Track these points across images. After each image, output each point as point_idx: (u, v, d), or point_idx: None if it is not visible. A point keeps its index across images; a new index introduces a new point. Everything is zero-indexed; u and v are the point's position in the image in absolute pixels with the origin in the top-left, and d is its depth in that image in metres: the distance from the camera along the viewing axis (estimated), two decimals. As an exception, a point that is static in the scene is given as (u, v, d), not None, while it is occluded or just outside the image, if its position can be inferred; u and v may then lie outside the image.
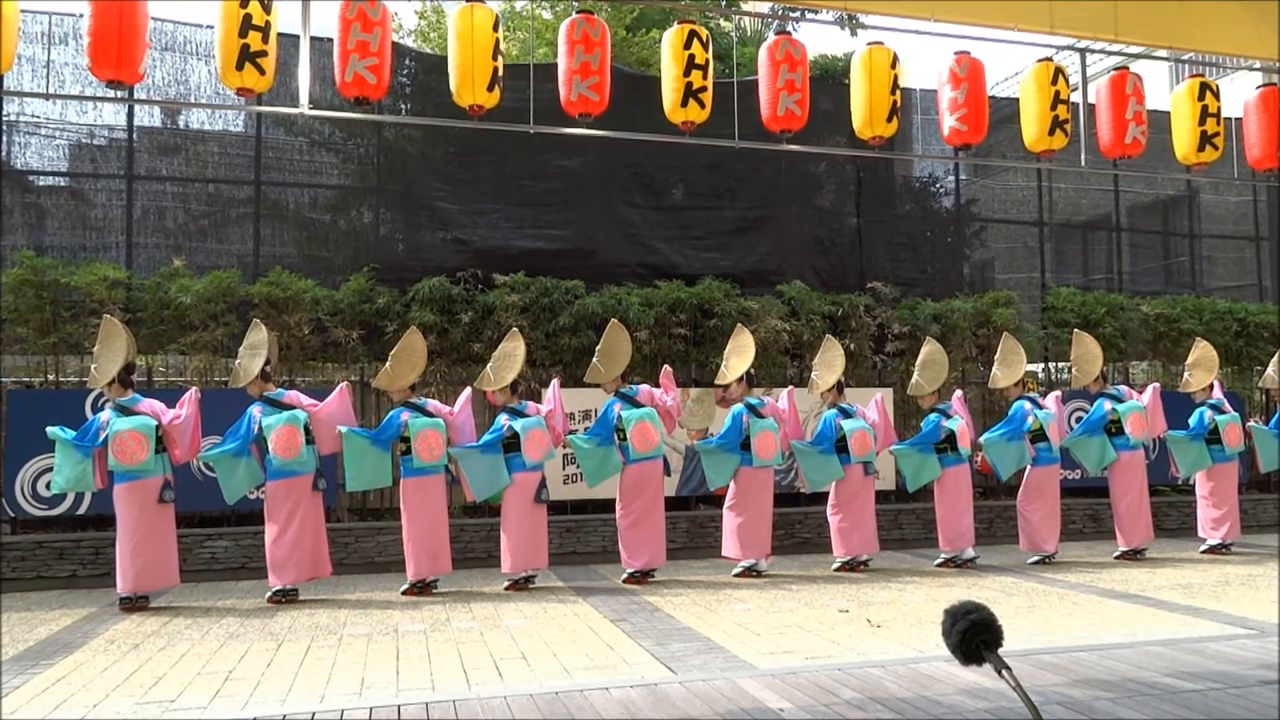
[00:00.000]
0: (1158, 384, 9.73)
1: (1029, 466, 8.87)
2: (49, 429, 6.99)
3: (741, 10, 10.43)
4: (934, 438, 8.64)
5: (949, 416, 8.71)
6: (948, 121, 6.36)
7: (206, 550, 8.42)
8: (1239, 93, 7.60)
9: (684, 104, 5.87)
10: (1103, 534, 10.30)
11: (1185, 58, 7.98)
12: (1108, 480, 9.22)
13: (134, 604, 6.90)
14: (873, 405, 8.83)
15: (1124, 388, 9.53)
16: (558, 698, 4.34)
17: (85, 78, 8.87)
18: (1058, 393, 9.53)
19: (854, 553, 8.43)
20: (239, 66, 5.12)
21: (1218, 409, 9.40)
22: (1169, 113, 7.00)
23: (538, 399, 8.39)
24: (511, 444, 7.59)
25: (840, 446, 8.39)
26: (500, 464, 7.55)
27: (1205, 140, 6.73)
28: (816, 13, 8.93)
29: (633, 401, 7.98)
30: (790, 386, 8.99)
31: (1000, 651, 1.78)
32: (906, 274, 11.70)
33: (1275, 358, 10.21)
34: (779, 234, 11.38)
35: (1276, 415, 10.04)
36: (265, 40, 5.16)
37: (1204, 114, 6.71)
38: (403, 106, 10.84)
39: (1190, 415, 9.46)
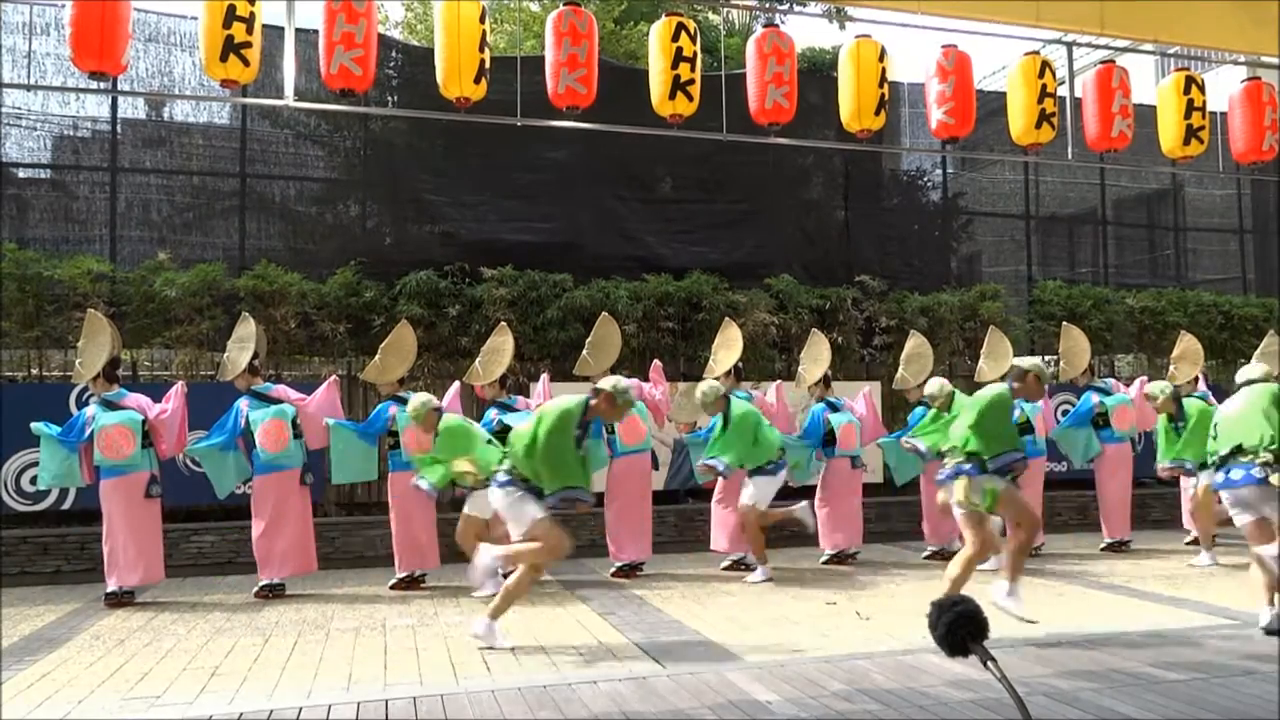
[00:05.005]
0: (1145, 377, 9.78)
1: (1015, 459, 8.90)
2: (34, 424, 6.94)
3: (730, 3, 10.40)
4: (921, 431, 8.67)
5: (935, 409, 8.73)
6: (935, 115, 6.36)
7: (193, 545, 8.38)
8: (1224, 86, 7.63)
9: (672, 97, 5.86)
10: (1088, 526, 10.36)
11: (1170, 52, 7.98)
12: (1094, 472, 9.28)
13: (120, 599, 6.85)
14: (860, 399, 8.85)
15: (1112, 380, 9.58)
16: (546, 691, 4.34)
17: (67, 69, 8.77)
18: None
19: (841, 546, 8.46)
20: (223, 58, 5.07)
21: (1202, 402, 9.44)
22: (1155, 106, 7.02)
23: (526, 393, 8.37)
24: (501, 439, 7.56)
25: (828, 440, 8.41)
26: (489, 458, 7.53)
27: (1190, 134, 6.75)
28: (804, 5, 8.93)
29: (621, 395, 7.96)
30: (778, 380, 9.00)
31: (986, 643, 1.78)
32: (894, 267, 11.70)
33: (1258, 350, 10.27)
34: (767, 227, 11.37)
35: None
36: (250, 31, 5.12)
37: (1189, 108, 6.73)
38: (389, 99, 10.76)
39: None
